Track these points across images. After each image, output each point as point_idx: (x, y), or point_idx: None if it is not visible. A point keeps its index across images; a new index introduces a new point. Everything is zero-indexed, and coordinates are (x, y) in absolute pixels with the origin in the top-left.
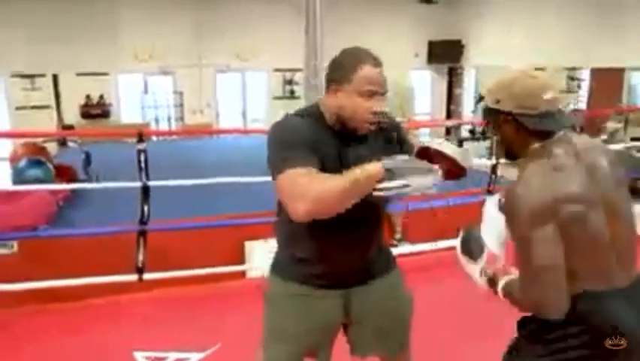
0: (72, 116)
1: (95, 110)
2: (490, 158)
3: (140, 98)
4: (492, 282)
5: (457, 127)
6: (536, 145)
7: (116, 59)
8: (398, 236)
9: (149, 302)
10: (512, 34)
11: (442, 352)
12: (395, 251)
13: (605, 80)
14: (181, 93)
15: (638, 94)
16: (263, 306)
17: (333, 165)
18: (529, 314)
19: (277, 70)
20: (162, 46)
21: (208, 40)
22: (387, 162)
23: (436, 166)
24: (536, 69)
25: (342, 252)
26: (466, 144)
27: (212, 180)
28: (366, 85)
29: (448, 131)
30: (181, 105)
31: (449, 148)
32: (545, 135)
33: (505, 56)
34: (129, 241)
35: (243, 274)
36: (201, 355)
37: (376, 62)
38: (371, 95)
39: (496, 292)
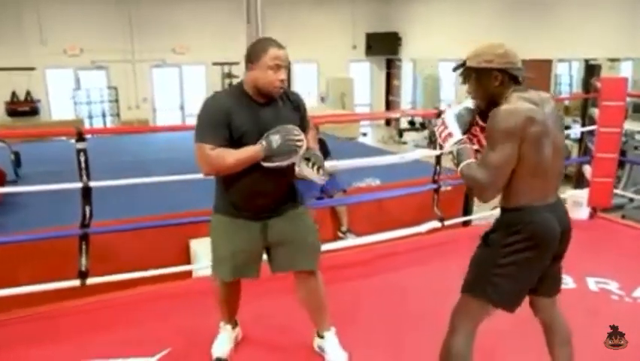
0: None
1: (23, 107)
2: (430, 148)
3: (71, 93)
4: (459, 155)
5: (397, 118)
6: (511, 90)
7: (43, 54)
8: (344, 228)
9: (94, 308)
10: (447, 27)
11: (392, 340)
12: (340, 244)
13: (534, 70)
14: (115, 88)
15: (563, 83)
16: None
17: (251, 123)
18: (489, 230)
19: (216, 63)
20: (94, 40)
21: (142, 35)
22: (269, 143)
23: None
24: None
25: (259, 194)
26: (406, 135)
27: (155, 178)
28: (273, 60)
29: (388, 122)
30: (116, 101)
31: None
32: (516, 84)
33: (441, 48)
34: (70, 245)
35: (190, 273)
36: (151, 360)
37: (280, 46)
38: (278, 67)
39: (455, 164)
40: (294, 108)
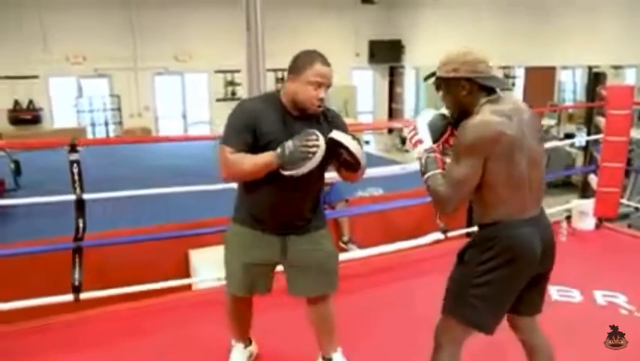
0: None
1: (25, 116)
2: None
3: (74, 101)
4: (427, 164)
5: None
6: (483, 100)
7: (46, 62)
8: (345, 238)
9: (87, 323)
10: (450, 34)
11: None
12: (343, 256)
13: (538, 78)
14: (118, 96)
15: (567, 90)
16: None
17: (279, 133)
18: (464, 246)
19: (218, 71)
20: (96, 48)
21: (144, 43)
22: (282, 149)
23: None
24: None
25: (281, 208)
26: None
27: (152, 190)
28: (316, 77)
29: (390, 130)
30: (118, 109)
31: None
32: (489, 93)
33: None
34: (64, 258)
35: (189, 284)
36: None
37: (326, 62)
38: (319, 85)
39: (422, 172)
40: (330, 127)
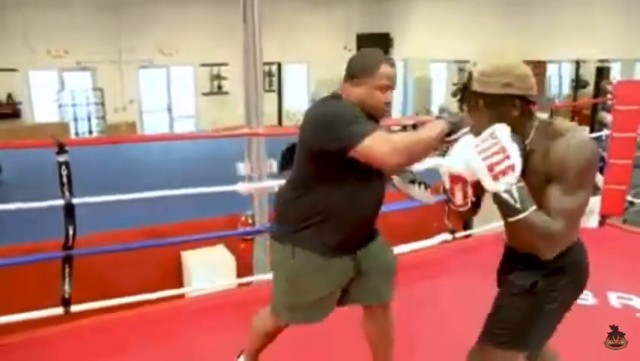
0: None
1: (5, 110)
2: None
3: (55, 95)
4: (522, 200)
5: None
6: (535, 122)
7: (26, 55)
8: None
9: (77, 335)
10: (440, 27)
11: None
12: None
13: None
14: (101, 90)
15: (552, 84)
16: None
17: None
18: (534, 277)
19: (204, 65)
20: (79, 41)
21: (129, 36)
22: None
23: None
24: (461, 61)
25: (364, 222)
26: None
27: (149, 193)
28: (383, 80)
29: None
30: (102, 103)
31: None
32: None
33: (433, 49)
34: (52, 268)
35: (181, 283)
36: None
37: (391, 62)
38: (386, 88)
39: (513, 209)
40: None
